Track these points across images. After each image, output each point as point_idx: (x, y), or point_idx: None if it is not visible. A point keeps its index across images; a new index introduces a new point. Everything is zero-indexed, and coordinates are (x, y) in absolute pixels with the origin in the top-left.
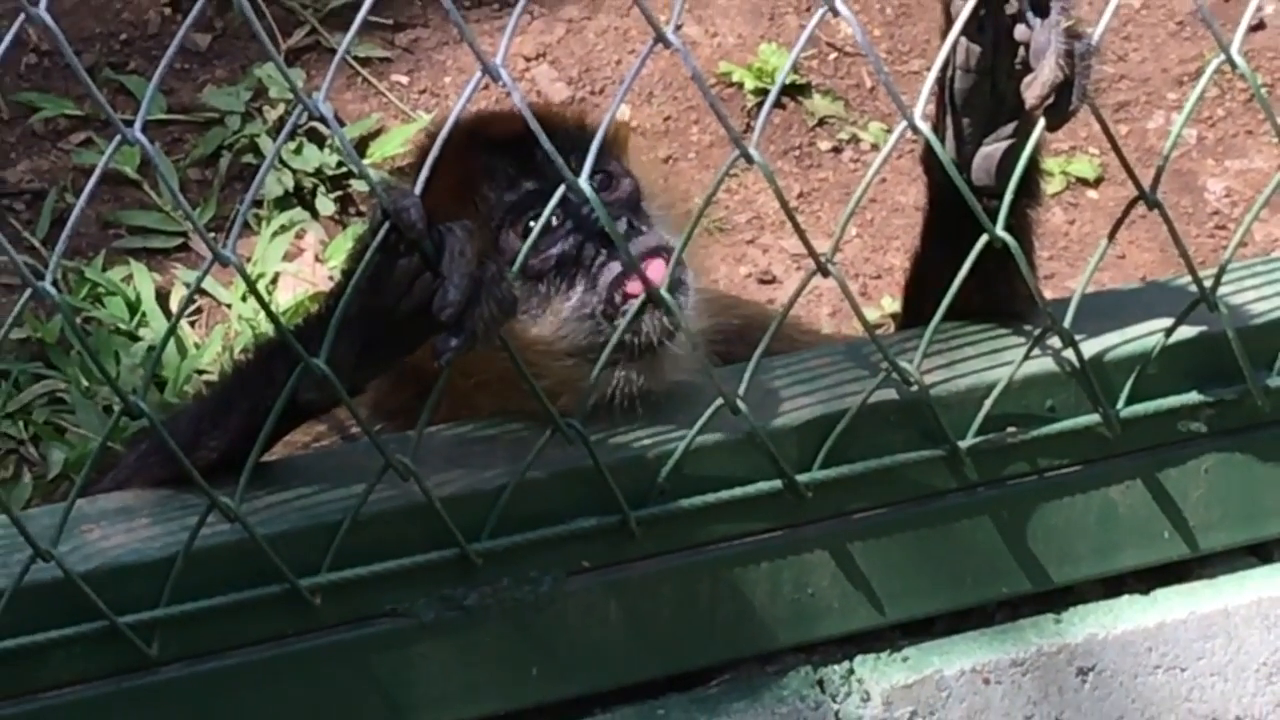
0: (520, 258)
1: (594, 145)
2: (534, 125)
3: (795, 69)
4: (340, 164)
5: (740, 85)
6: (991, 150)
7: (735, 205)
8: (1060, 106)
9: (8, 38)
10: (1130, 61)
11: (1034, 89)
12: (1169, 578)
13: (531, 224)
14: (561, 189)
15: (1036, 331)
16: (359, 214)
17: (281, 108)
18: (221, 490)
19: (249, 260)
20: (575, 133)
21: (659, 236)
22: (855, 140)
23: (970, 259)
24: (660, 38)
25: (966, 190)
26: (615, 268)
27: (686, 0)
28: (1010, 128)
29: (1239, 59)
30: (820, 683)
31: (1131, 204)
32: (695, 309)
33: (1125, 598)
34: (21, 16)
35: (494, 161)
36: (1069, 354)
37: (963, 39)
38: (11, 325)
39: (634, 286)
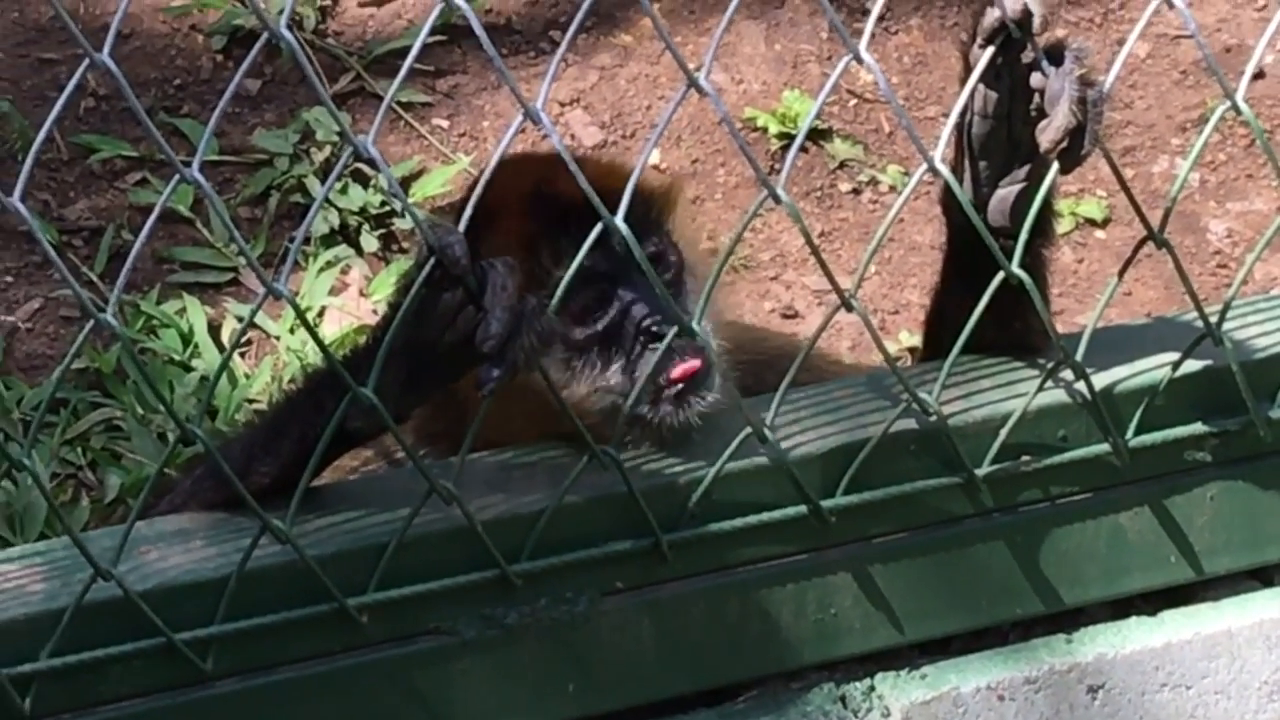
0: (558, 295)
1: (629, 187)
2: (576, 172)
3: (817, 114)
4: (383, 203)
5: (765, 130)
6: (1006, 193)
7: (760, 244)
8: (1073, 150)
9: (72, 82)
10: (1136, 109)
11: (1048, 133)
12: (1175, 600)
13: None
14: (599, 226)
15: (1049, 365)
16: (401, 251)
17: (328, 150)
18: (273, 513)
19: (297, 294)
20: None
21: (700, 339)
22: (874, 182)
23: (987, 295)
24: (693, 84)
25: (984, 229)
26: (651, 360)
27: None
28: (1024, 171)
29: (1244, 106)
30: (842, 699)
31: (1141, 243)
32: (723, 374)
33: (1133, 619)
34: (86, 62)
35: (554, 226)
36: (1080, 386)
37: (981, 86)
38: (74, 355)
39: (676, 371)
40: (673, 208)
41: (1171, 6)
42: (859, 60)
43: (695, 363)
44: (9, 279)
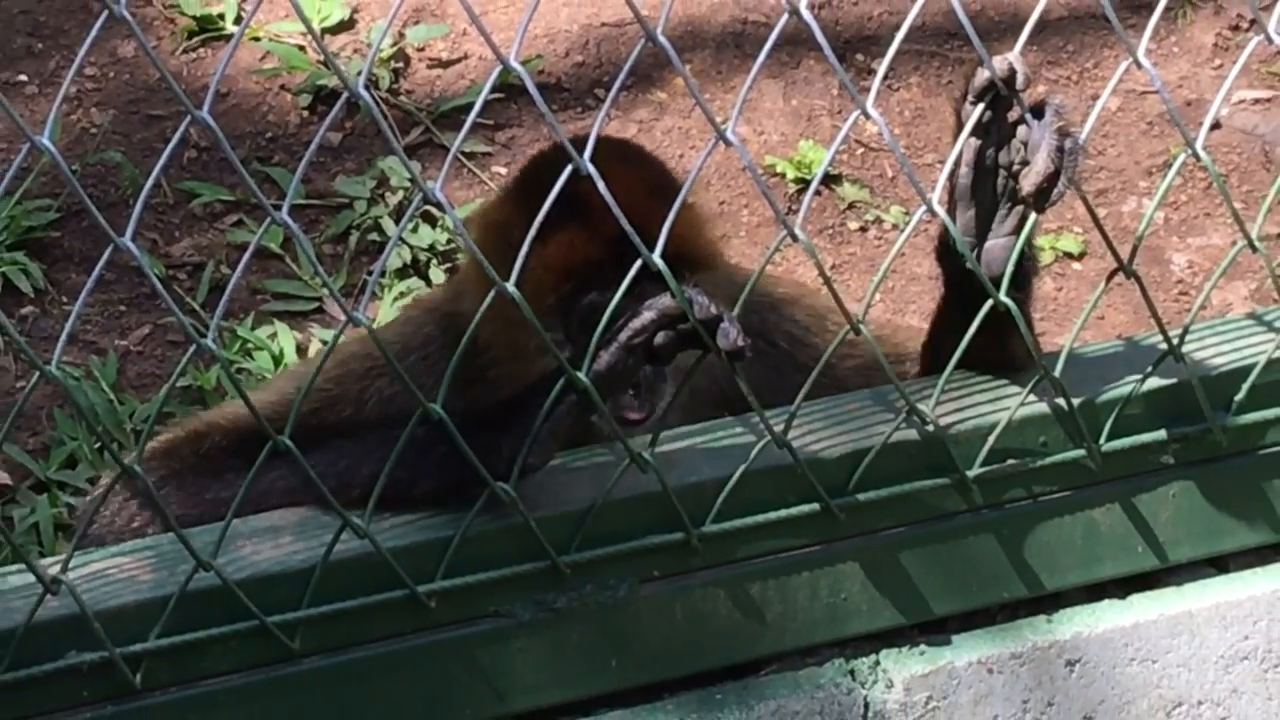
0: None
1: (666, 224)
2: (620, 217)
3: (830, 162)
4: (449, 240)
5: (783, 175)
6: (992, 245)
7: (780, 275)
8: (1047, 193)
9: (177, 135)
10: (1108, 155)
11: (1030, 178)
12: (1142, 585)
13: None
14: (639, 263)
15: (1032, 380)
16: None
17: (400, 194)
18: (353, 512)
19: (373, 320)
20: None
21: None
22: (879, 221)
23: (977, 320)
24: (720, 136)
25: (973, 263)
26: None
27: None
28: (1011, 219)
29: (1203, 153)
30: (852, 672)
31: (1112, 274)
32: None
33: (1105, 602)
34: (188, 118)
35: (597, 261)
36: (1059, 399)
37: (971, 139)
38: (178, 375)
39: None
40: (715, 260)
41: (1139, 66)
42: (865, 114)
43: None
44: (122, 308)
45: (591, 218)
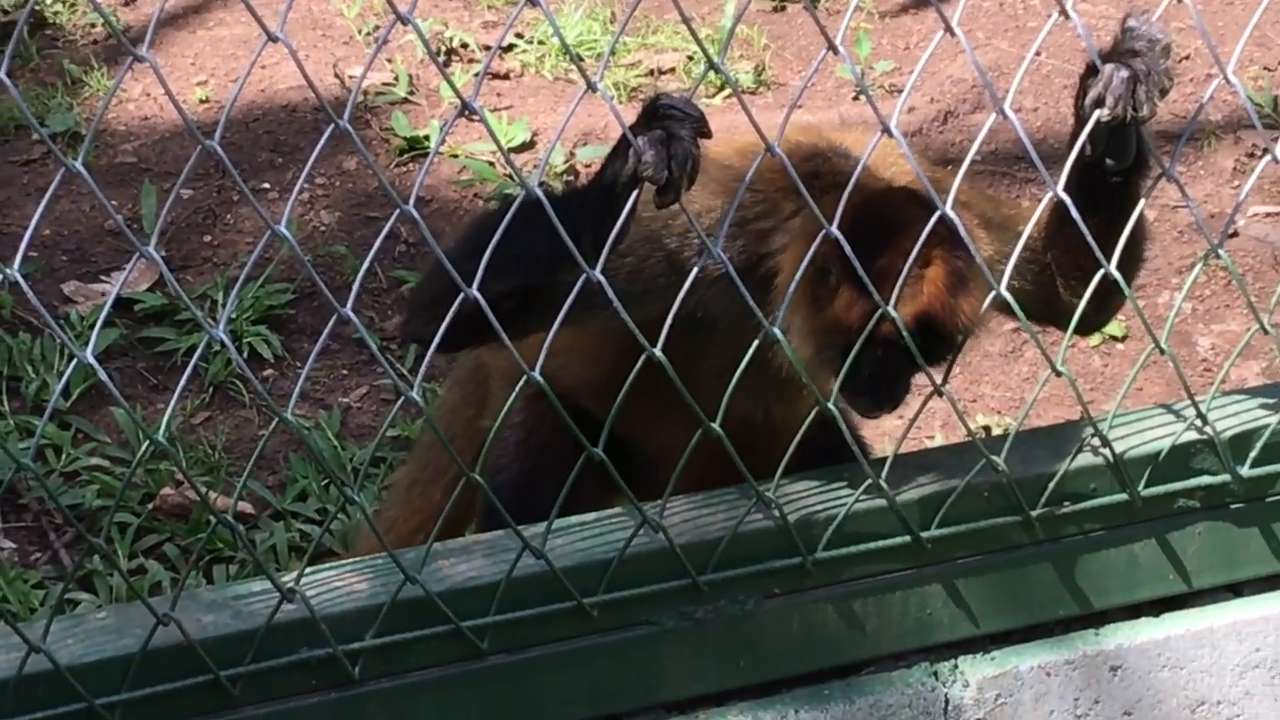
0: None
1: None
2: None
3: None
4: None
5: None
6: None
7: None
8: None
9: (386, 227)
10: (1147, 257)
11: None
12: (1173, 606)
13: None
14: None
15: (1085, 437)
16: None
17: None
18: (531, 537)
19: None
20: None
21: None
22: None
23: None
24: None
25: (1036, 335)
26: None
27: None
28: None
29: (1224, 255)
30: (935, 674)
31: (1149, 353)
32: None
33: (1143, 619)
34: (396, 212)
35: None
36: (1106, 452)
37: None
38: (388, 424)
39: None
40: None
41: (1172, 180)
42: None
43: None
44: (344, 371)
45: (891, 292)
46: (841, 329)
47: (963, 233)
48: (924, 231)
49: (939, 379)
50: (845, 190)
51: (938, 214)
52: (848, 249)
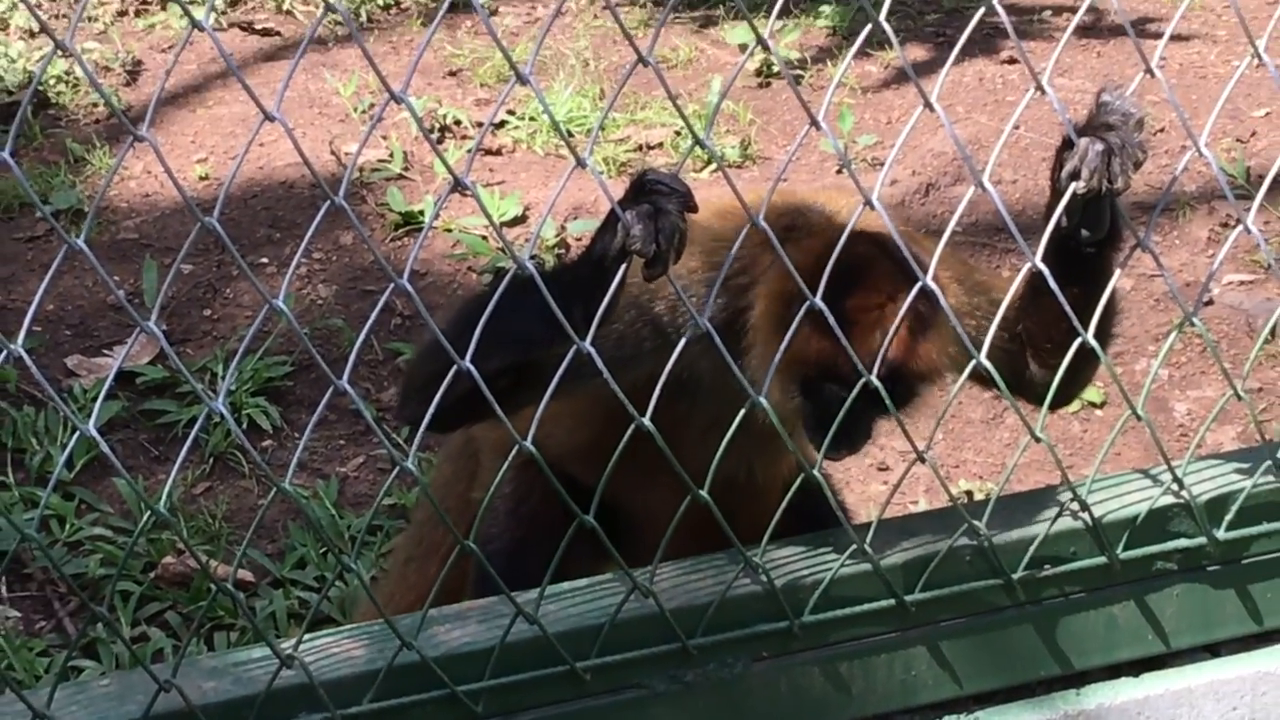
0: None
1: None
2: (857, 364)
3: None
4: None
5: None
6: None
7: None
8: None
9: (381, 300)
10: (1124, 325)
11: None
12: (1152, 666)
13: None
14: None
15: (1064, 501)
16: None
17: None
18: (524, 603)
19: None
20: None
21: None
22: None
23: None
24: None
25: (1015, 403)
26: None
27: None
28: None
29: (1198, 323)
30: None
31: (1127, 418)
32: None
33: (1122, 679)
34: (391, 286)
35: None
36: (1085, 516)
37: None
38: (384, 493)
39: None
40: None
41: (1147, 250)
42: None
43: None
44: (341, 441)
45: (856, 335)
46: (802, 363)
47: (930, 282)
48: (889, 274)
49: (921, 444)
50: (815, 237)
51: (907, 253)
52: (804, 286)
